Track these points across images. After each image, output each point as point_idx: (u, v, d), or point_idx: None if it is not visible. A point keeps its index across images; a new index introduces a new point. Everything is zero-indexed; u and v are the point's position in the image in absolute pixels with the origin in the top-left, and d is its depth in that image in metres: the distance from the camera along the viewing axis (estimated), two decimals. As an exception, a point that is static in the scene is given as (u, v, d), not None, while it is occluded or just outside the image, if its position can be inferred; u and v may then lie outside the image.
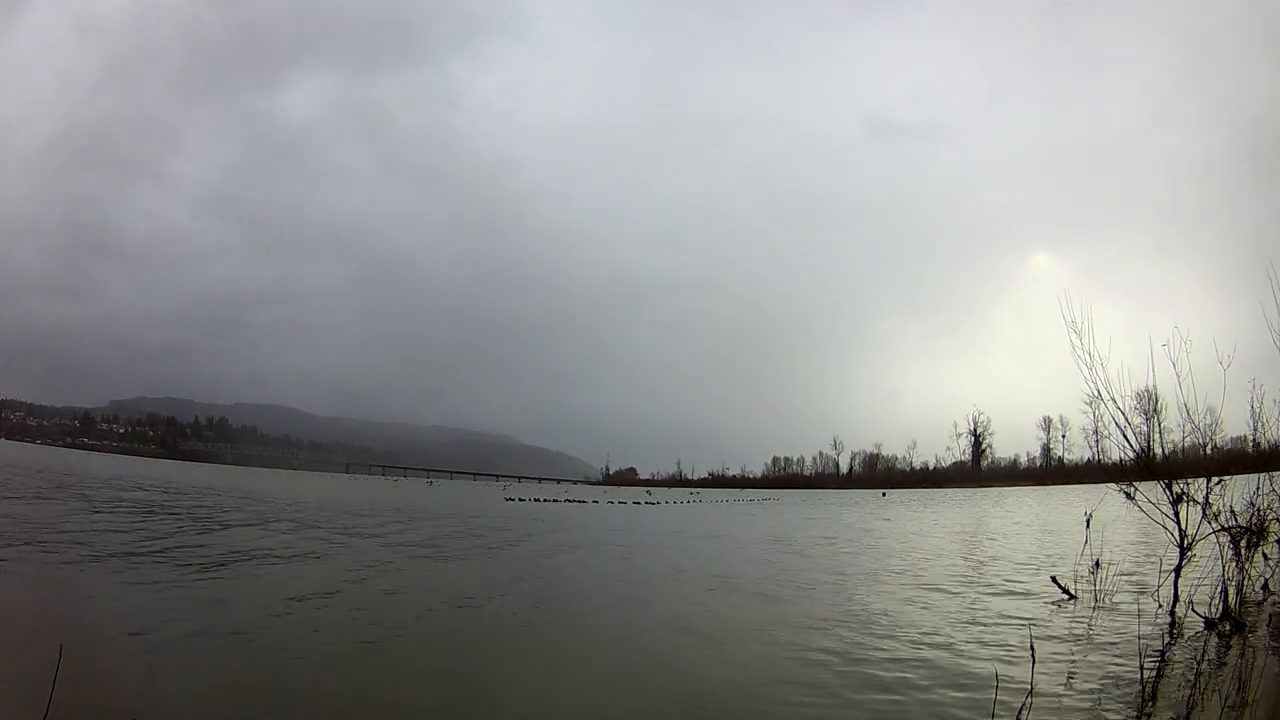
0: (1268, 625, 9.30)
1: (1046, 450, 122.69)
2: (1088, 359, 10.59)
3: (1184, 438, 10.84)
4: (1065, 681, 7.35)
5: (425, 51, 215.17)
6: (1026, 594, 12.49)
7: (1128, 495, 10.79)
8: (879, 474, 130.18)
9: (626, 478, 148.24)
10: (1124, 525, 16.97)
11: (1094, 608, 10.91)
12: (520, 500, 53.64)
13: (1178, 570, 10.31)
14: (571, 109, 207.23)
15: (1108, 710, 6.59)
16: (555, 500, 56.42)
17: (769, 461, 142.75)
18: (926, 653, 8.70)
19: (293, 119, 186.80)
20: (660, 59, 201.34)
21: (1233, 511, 10.03)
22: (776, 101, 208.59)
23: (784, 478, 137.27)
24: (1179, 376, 10.26)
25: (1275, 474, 10.08)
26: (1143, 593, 11.17)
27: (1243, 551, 9.92)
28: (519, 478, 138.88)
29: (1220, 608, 9.52)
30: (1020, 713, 5.80)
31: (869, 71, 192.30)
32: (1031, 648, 6.62)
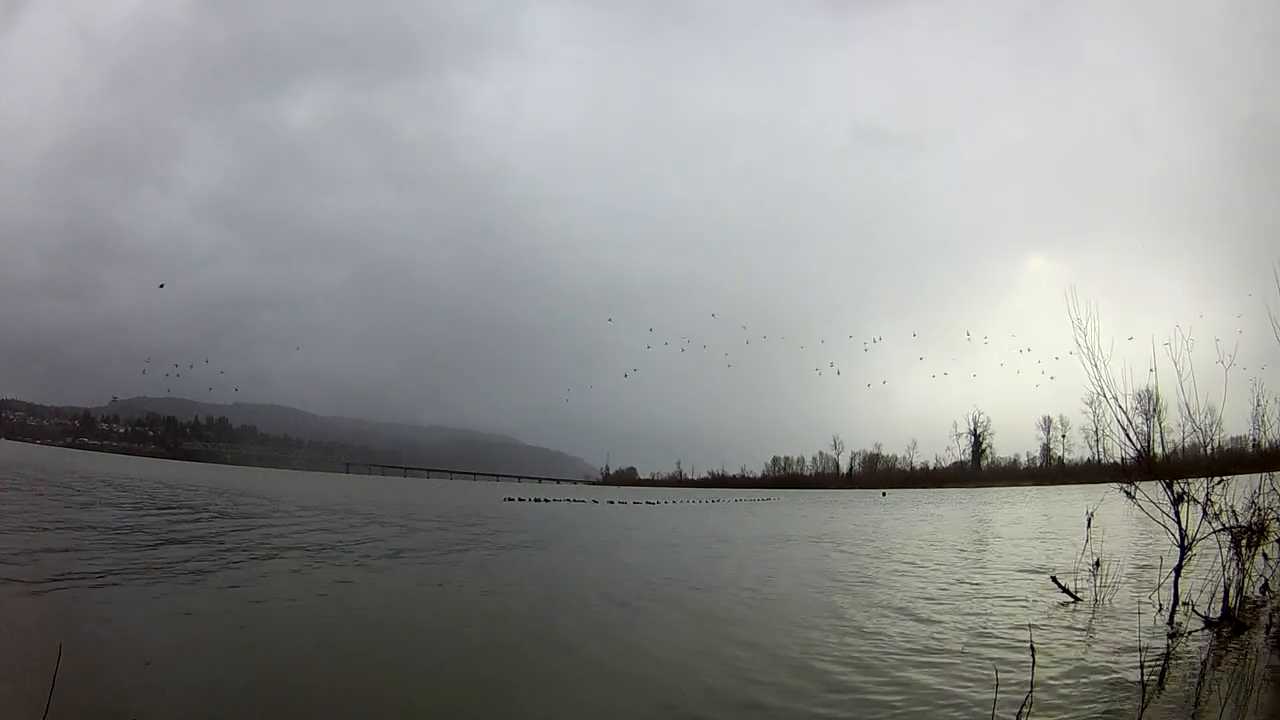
0: (1268, 625, 9.28)
1: (1046, 450, 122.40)
2: (1090, 358, 10.61)
3: (1184, 437, 10.85)
4: (1066, 681, 7.35)
5: (425, 63, 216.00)
6: (1027, 594, 12.48)
7: (1128, 495, 10.78)
8: (879, 474, 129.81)
9: (626, 478, 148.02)
10: (1125, 525, 16.96)
11: (1095, 608, 10.90)
12: (521, 500, 53.62)
13: (1178, 570, 10.30)
14: (566, 118, 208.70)
15: (1108, 710, 6.59)
16: (556, 500, 56.37)
17: (769, 461, 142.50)
18: (927, 652, 8.70)
19: (294, 127, 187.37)
20: (652, 70, 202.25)
21: (1233, 511, 10.01)
22: (766, 110, 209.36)
23: (784, 478, 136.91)
24: (1180, 376, 10.28)
25: (1276, 474, 10.07)
26: (1143, 593, 11.15)
27: (1243, 551, 9.90)
28: (519, 477, 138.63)
29: (1221, 608, 9.51)
30: (1020, 713, 5.79)
31: (856, 81, 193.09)
32: (1032, 648, 6.61)
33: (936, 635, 9.56)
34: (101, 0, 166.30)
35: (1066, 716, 6.45)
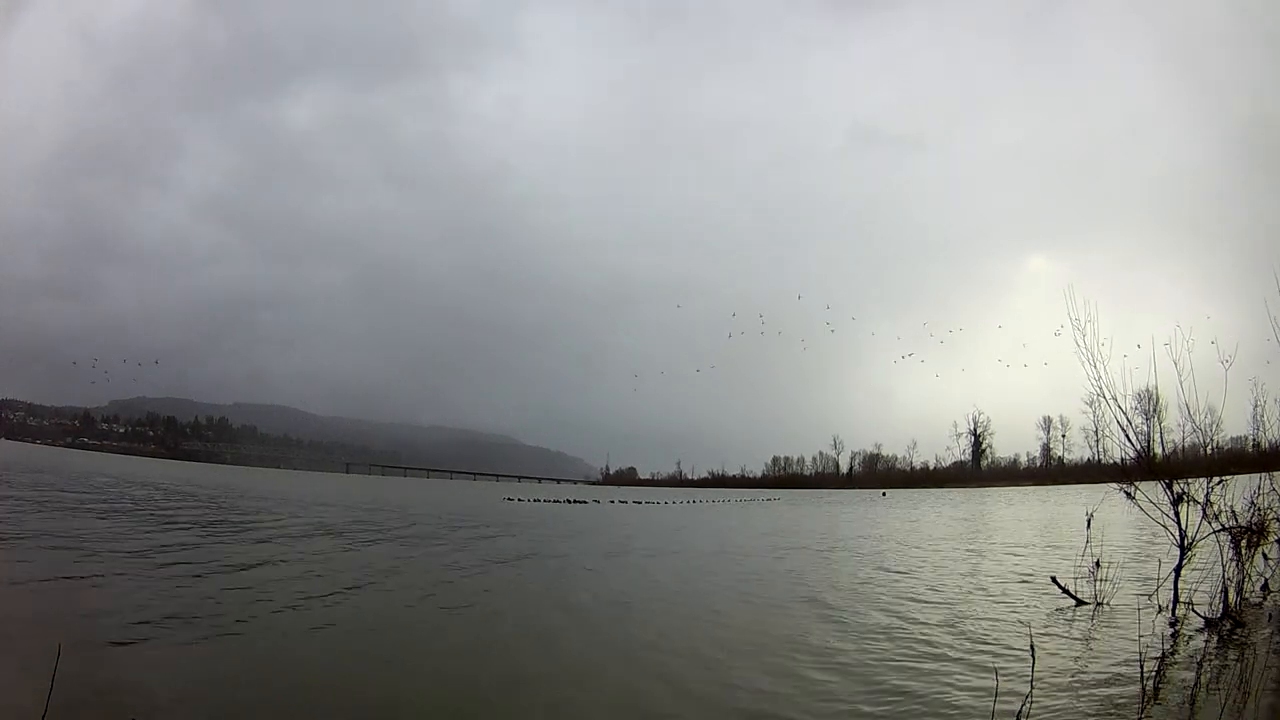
0: (1268, 625, 9.28)
1: (1046, 450, 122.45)
2: (1090, 358, 10.62)
3: (1184, 437, 10.85)
4: (1066, 682, 7.34)
5: (425, 64, 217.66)
6: (1026, 595, 12.48)
7: (1128, 495, 10.78)
8: (879, 474, 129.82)
9: (626, 478, 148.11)
10: (1125, 525, 16.96)
11: (1095, 608, 10.90)
12: (520, 500, 53.64)
13: (1178, 570, 10.30)
14: (566, 119, 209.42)
15: (1108, 711, 6.58)
16: (556, 500, 56.39)
17: (769, 461, 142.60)
18: (927, 653, 8.70)
19: (294, 127, 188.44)
20: (651, 72, 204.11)
21: (1233, 511, 10.01)
22: (766, 111, 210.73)
23: (784, 477, 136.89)
24: (1180, 376, 10.28)
25: (1276, 474, 10.07)
26: (1143, 593, 11.15)
27: (1243, 551, 9.91)
28: (519, 477, 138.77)
29: (1221, 607, 9.51)
30: (1020, 713, 5.79)
31: (855, 82, 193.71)
32: (1032, 648, 6.61)
33: (935, 635, 9.56)
34: (101, 1, 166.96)
35: (1066, 717, 6.44)
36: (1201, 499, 10.05)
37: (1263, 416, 11.25)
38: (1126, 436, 10.90)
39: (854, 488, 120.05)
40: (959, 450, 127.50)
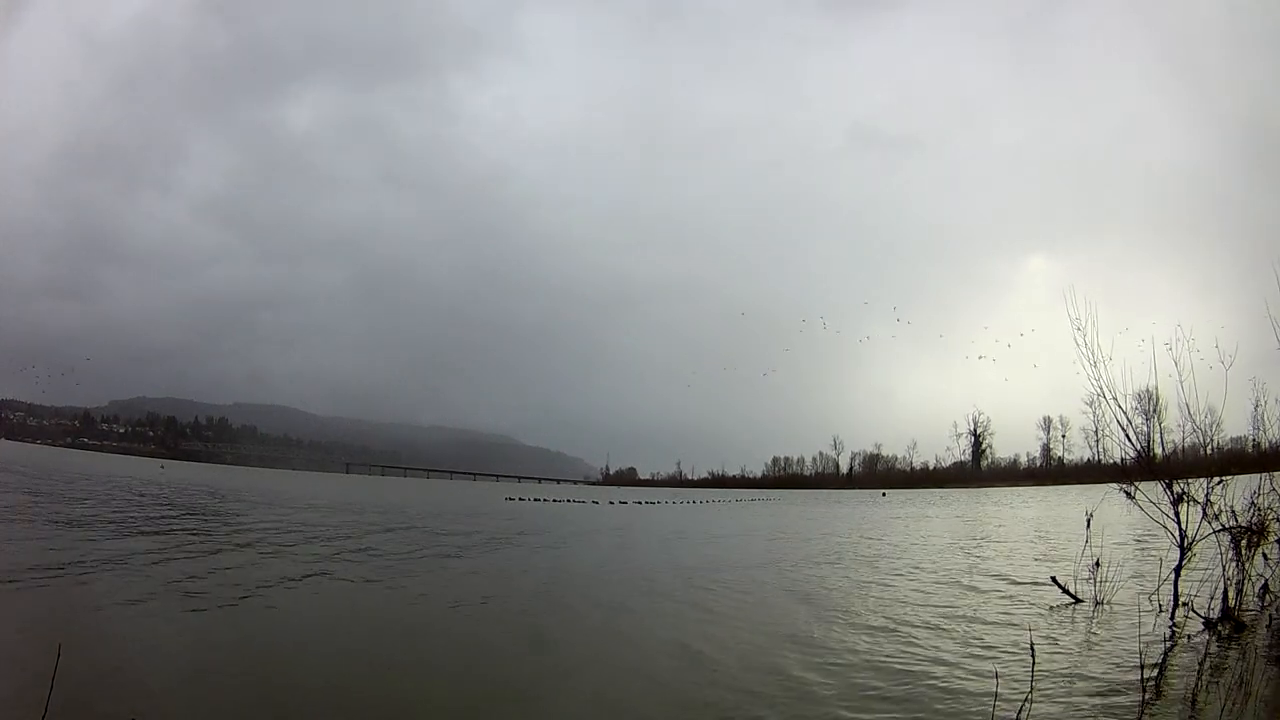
0: (1268, 626, 9.28)
1: (1046, 450, 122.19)
2: (1090, 358, 10.62)
3: (1184, 437, 10.84)
4: (1065, 682, 7.34)
5: (424, 66, 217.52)
6: (1027, 594, 12.47)
7: (1128, 495, 10.78)
8: (879, 474, 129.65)
9: (626, 478, 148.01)
10: (1125, 525, 16.95)
11: (1095, 608, 10.89)
12: (522, 499, 53.66)
13: (1178, 570, 10.29)
14: (566, 120, 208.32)
15: (1108, 711, 6.58)
16: (558, 500, 56.38)
17: (769, 461, 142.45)
18: (927, 653, 8.70)
19: (294, 129, 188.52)
20: (651, 72, 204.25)
21: (1233, 511, 10.00)
22: (764, 112, 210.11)
23: (784, 478, 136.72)
24: (1180, 376, 10.27)
25: (1276, 474, 10.06)
26: (1143, 593, 11.15)
27: (1243, 551, 9.89)
28: (519, 478, 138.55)
29: (1220, 608, 9.50)
30: (1020, 713, 5.80)
31: (854, 83, 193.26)
32: (1031, 648, 6.62)
33: (935, 635, 9.56)
34: (102, 3, 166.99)
35: (1066, 716, 6.44)
36: (1201, 499, 10.05)
37: (1263, 416, 11.23)
38: (1126, 436, 10.91)
39: (854, 488, 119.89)
40: (959, 450, 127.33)
